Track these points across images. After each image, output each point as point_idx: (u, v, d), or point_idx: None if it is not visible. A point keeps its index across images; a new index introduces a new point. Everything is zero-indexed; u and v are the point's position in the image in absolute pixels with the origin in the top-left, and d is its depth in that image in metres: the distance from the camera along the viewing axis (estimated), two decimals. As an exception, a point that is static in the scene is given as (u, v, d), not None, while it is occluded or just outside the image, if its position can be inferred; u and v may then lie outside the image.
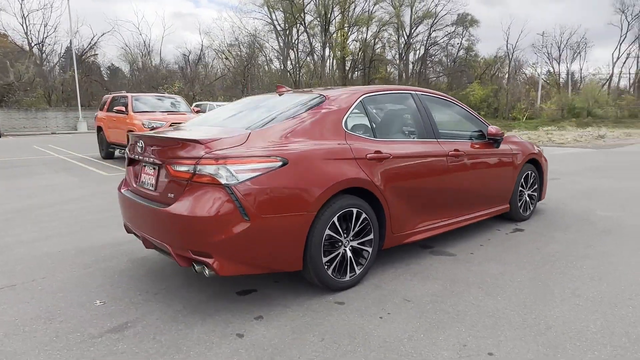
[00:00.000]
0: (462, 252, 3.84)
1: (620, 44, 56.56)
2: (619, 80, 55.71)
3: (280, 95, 3.72)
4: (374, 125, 3.42)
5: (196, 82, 35.63)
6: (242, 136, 2.76)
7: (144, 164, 3.11)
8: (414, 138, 3.71)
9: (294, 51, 45.04)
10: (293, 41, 45.38)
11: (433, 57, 56.72)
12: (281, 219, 2.67)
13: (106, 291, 3.12)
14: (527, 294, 2.98)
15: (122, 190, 3.33)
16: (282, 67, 44.39)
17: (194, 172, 2.60)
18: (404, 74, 53.22)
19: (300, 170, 2.76)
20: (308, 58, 45.95)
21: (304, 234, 2.77)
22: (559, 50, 61.27)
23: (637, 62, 56.67)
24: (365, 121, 3.38)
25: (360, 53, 48.53)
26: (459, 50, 55.82)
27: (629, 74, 55.99)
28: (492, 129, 4.30)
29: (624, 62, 54.31)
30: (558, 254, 3.78)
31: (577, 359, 2.22)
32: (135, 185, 3.18)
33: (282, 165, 2.69)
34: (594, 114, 38.86)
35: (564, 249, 3.91)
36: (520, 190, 4.78)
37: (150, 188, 2.97)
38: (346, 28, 45.75)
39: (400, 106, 3.83)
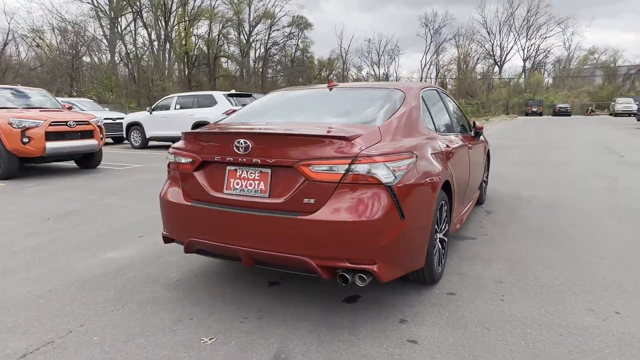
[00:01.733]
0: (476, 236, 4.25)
1: (426, 53, 67.04)
2: (434, 83, 66.47)
3: (330, 89, 3.53)
4: (434, 120, 3.54)
5: (9, 71, 29.38)
6: (377, 132, 2.58)
7: (238, 167, 2.62)
8: (446, 131, 3.95)
9: (123, 42, 40.72)
10: (122, 31, 41.01)
11: (273, 57, 58.16)
12: (418, 216, 2.61)
13: (190, 323, 2.55)
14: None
15: (190, 202, 2.74)
16: (110, 59, 39.66)
17: (347, 172, 2.34)
18: (244, 72, 53.27)
19: (422, 166, 2.73)
20: (147, 52, 42.17)
21: (431, 230, 2.76)
22: (379, 56, 69.48)
23: (436, 68, 67.94)
24: (427, 116, 3.47)
25: (203, 49, 46.73)
26: (295, 51, 58.42)
27: (430, 78, 66.92)
28: (477, 123, 4.84)
29: (429, 68, 64.86)
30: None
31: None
32: (219, 194, 2.66)
33: (415, 162, 2.63)
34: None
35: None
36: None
37: (259, 194, 2.53)
38: (187, 21, 43.45)
39: (434, 101, 4.02)
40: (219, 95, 12.98)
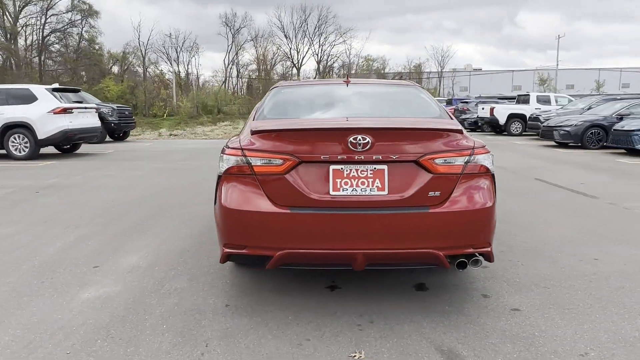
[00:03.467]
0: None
1: (228, 52, 67.32)
2: (236, 82, 66.42)
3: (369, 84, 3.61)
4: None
5: None
6: (460, 125, 2.80)
7: (345, 165, 2.48)
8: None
9: None
10: None
11: (51, 46, 49.46)
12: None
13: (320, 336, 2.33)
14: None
15: (284, 209, 2.46)
16: None
17: (467, 164, 2.53)
18: (12, 61, 43.92)
19: None
20: None
21: None
22: (177, 53, 66.49)
23: (237, 68, 69.01)
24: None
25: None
26: (80, 41, 51.06)
27: (231, 77, 67.67)
28: None
29: (231, 68, 65.34)
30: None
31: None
32: (324, 197, 2.47)
33: None
34: (224, 111, 45.17)
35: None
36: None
37: (376, 192, 2.47)
38: None
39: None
40: (39, 89, 10.58)
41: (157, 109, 43.13)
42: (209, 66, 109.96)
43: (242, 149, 2.58)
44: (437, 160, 2.50)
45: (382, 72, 67.69)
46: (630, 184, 7.02)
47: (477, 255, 2.58)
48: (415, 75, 67.85)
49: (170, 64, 67.06)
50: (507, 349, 2.29)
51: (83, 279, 3.25)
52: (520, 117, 17.41)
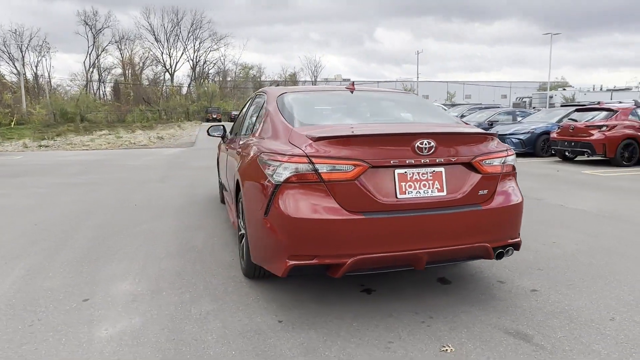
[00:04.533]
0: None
1: (90, 54, 60.62)
2: (97, 87, 59.96)
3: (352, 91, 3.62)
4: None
5: None
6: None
7: (409, 169, 2.57)
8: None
9: None
10: None
11: None
12: None
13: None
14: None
15: (356, 215, 2.45)
16: None
17: (504, 164, 2.81)
18: None
19: None
20: None
21: None
22: (22, 52, 57.76)
23: (99, 71, 62.87)
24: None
25: None
26: None
27: (92, 81, 61.46)
28: None
29: (92, 71, 58.98)
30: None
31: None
32: (392, 200, 2.53)
33: None
34: (88, 119, 40.60)
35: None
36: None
37: (436, 193, 2.61)
38: None
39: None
40: None
41: (2, 116, 36.93)
42: (63, 69, 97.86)
43: (307, 156, 2.50)
44: (485, 162, 2.74)
45: (259, 80, 68.07)
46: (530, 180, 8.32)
47: (511, 245, 2.90)
48: (291, 83, 69.68)
49: (14, 64, 58.15)
50: (556, 323, 2.62)
51: (83, 315, 2.75)
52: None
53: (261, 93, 4.10)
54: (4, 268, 3.58)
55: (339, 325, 2.62)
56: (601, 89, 62.97)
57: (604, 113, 10.37)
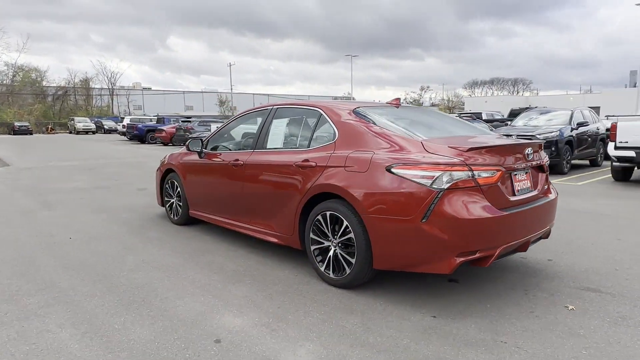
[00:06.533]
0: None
1: None
2: None
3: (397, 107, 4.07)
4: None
5: None
6: None
7: (518, 172, 3.21)
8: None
9: None
10: None
11: None
12: None
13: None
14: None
15: (500, 212, 2.98)
16: None
17: (549, 164, 3.73)
18: None
19: None
20: None
21: None
22: None
23: None
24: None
25: None
26: None
27: None
28: None
29: None
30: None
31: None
32: (514, 197, 3.16)
33: None
34: None
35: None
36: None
37: (529, 190, 3.34)
38: None
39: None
40: None
41: None
42: None
43: (467, 165, 2.87)
44: (547, 163, 3.59)
45: (40, 85, 57.81)
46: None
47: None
48: (83, 91, 61.46)
49: None
50: (607, 298, 3.49)
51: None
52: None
53: (305, 107, 4.13)
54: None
55: (468, 309, 3.05)
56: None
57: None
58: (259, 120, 4.53)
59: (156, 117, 28.00)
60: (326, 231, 3.48)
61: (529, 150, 3.34)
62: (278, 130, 4.28)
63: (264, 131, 4.34)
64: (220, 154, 4.81)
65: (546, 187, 3.60)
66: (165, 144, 24.92)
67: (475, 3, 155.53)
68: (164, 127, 24.79)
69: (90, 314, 3.06)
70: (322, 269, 3.54)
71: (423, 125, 3.77)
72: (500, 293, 3.34)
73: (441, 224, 2.85)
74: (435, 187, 2.87)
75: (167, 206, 5.82)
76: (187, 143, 5.19)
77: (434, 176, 2.88)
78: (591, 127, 11.40)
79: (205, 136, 5.52)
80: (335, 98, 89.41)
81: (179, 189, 5.49)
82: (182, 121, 23.94)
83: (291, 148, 4.00)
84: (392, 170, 3.05)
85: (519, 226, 3.15)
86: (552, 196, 3.61)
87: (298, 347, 2.59)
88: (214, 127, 20.10)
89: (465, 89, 80.00)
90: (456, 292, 3.38)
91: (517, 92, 73.61)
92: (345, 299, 3.26)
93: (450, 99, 74.35)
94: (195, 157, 5.17)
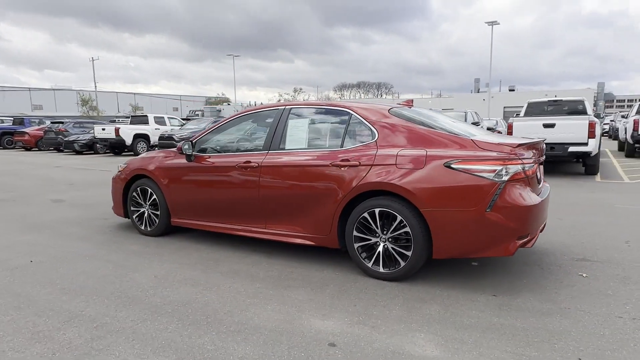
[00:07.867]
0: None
1: None
2: None
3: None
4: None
5: None
6: None
7: (537, 165, 3.74)
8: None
9: None
10: None
11: None
12: None
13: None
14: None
15: (539, 199, 3.48)
16: None
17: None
18: None
19: None
20: None
21: None
22: None
23: None
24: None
25: None
26: None
27: None
28: None
29: None
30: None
31: None
32: (539, 186, 3.68)
33: None
34: None
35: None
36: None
37: (541, 182, 3.91)
38: None
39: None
40: None
41: None
42: None
43: (520, 159, 3.27)
44: (542, 159, 4.23)
45: None
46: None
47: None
48: None
49: None
50: (632, 273, 4.33)
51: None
52: (144, 137, 18.06)
53: (329, 108, 4.16)
54: None
55: (511, 291, 3.52)
56: (262, 104, 75.57)
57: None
58: (269, 120, 4.40)
59: (12, 119, 23.82)
60: (374, 228, 3.59)
61: (544, 146, 3.95)
62: (297, 131, 4.22)
63: (278, 132, 4.23)
64: (219, 156, 4.54)
65: (543, 178, 4.27)
66: (29, 149, 21.54)
67: (337, 10, 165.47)
68: (27, 130, 21.35)
69: (163, 338, 2.71)
70: (370, 264, 3.64)
71: (449, 124, 4.13)
72: (522, 270, 3.86)
73: (505, 212, 3.22)
74: (497, 179, 3.23)
75: (134, 217, 5.22)
76: (180, 145, 4.75)
77: (495, 170, 3.24)
78: (482, 126, 13.34)
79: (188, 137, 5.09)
80: (209, 99, 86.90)
81: (154, 196, 4.98)
82: (52, 122, 20.85)
83: (319, 148, 3.99)
84: (452, 166, 3.32)
85: (545, 210, 3.71)
86: (546, 185, 4.28)
87: (412, 338, 2.70)
88: (97, 128, 18.04)
89: (335, 92, 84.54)
90: (482, 273, 3.80)
91: (381, 95, 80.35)
92: (404, 291, 3.43)
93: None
94: (181, 160, 4.76)
